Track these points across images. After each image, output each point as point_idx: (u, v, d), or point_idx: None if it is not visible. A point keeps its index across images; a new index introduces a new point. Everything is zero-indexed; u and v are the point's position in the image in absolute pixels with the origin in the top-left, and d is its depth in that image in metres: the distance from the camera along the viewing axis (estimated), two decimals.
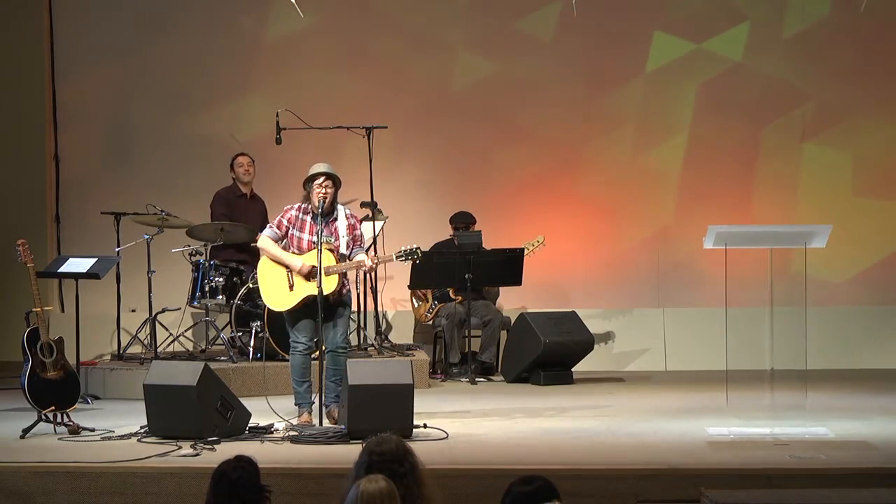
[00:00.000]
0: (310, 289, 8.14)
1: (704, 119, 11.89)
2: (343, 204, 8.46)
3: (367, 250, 8.65)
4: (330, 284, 8.13)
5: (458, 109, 11.94)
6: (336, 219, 8.29)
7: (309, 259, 8.20)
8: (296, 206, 8.35)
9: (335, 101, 11.63)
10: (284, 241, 8.38)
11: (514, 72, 11.94)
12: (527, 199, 11.83)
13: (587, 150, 11.95)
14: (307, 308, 8.17)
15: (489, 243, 11.02)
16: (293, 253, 8.31)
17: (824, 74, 11.87)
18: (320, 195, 8.19)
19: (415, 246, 8.37)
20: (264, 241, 8.39)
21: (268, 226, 8.49)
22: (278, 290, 8.28)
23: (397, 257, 8.37)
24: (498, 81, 11.96)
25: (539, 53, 11.94)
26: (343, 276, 8.27)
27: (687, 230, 11.40)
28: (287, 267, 8.26)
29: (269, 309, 9.60)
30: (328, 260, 8.15)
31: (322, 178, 8.22)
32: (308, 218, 8.29)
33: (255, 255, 10.72)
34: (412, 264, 10.49)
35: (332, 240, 8.25)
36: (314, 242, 8.15)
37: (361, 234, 8.41)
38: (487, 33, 11.99)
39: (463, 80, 11.99)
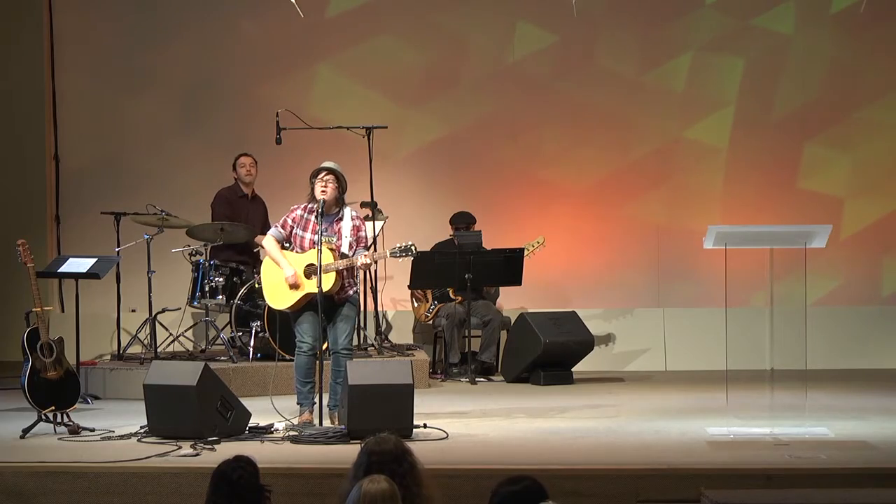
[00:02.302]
0: (310, 287, 8.14)
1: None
2: (346, 205, 8.46)
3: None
4: (327, 282, 8.12)
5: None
6: (341, 219, 8.30)
7: (307, 259, 8.20)
8: (301, 205, 8.36)
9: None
10: (288, 241, 8.38)
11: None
12: (527, 199, 11.83)
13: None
14: (312, 307, 8.18)
15: (489, 243, 11.02)
16: (296, 252, 8.31)
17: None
18: (320, 188, 8.21)
19: (410, 243, 8.30)
20: (267, 240, 8.41)
21: (273, 225, 8.49)
22: (279, 290, 8.29)
23: (391, 254, 8.30)
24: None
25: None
26: (348, 276, 8.28)
27: (687, 230, 11.39)
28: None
29: (269, 309, 9.62)
30: (327, 259, 8.15)
31: (324, 173, 8.23)
32: (312, 217, 8.28)
33: (254, 255, 10.75)
34: (412, 264, 10.50)
35: (335, 239, 8.24)
36: (315, 241, 8.15)
37: (366, 236, 8.40)
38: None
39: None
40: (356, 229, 8.29)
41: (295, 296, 8.22)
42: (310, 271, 8.16)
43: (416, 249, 8.32)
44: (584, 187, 11.92)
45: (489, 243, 11.02)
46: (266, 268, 8.43)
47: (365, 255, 8.23)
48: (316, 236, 8.14)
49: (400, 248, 8.28)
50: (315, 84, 11.90)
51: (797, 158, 11.90)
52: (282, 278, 8.25)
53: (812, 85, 11.90)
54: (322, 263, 8.07)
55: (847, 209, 11.79)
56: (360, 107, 11.56)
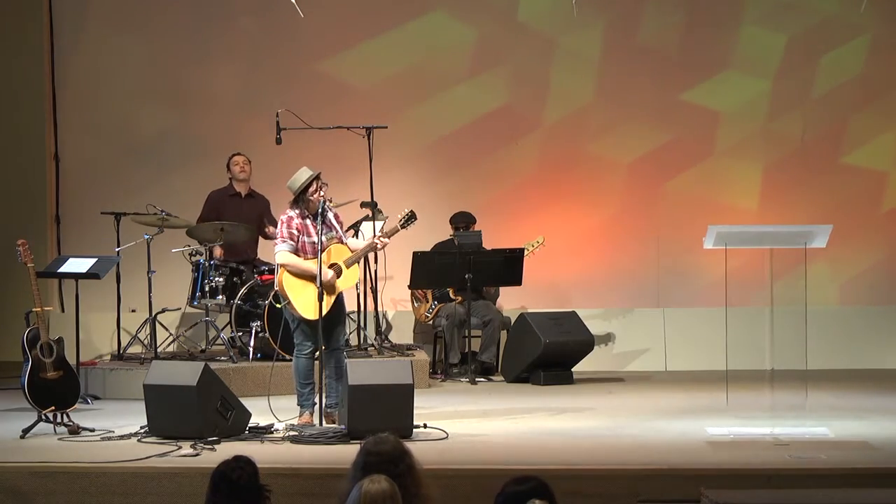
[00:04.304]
0: (341, 285, 8.28)
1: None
2: (343, 203, 8.51)
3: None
4: (353, 276, 8.35)
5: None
6: (325, 212, 8.31)
7: (327, 262, 8.25)
8: (294, 213, 8.31)
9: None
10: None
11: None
12: (527, 199, 11.83)
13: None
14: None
15: (489, 243, 11.02)
16: (308, 259, 8.28)
17: None
18: (320, 196, 8.22)
19: (408, 210, 8.66)
20: (286, 256, 8.25)
21: (280, 240, 8.28)
22: (312, 299, 8.18)
23: (402, 226, 8.58)
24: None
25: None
26: None
27: (688, 229, 11.38)
28: (313, 277, 8.17)
29: (269, 308, 9.63)
30: (344, 253, 8.29)
31: (315, 182, 8.24)
32: (308, 222, 8.29)
33: (255, 254, 10.74)
34: (412, 264, 10.53)
35: (333, 234, 8.29)
36: (324, 242, 8.17)
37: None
38: None
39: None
40: (337, 216, 8.45)
41: (330, 300, 8.20)
42: (336, 270, 8.24)
43: (415, 214, 8.65)
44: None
45: (489, 243, 11.02)
46: (289, 283, 8.24)
47: (381, 237, 8.43)
48: (325, 238, 8.18)
49: (405, 216, 8.59)
50: (310, 86, 11.90)
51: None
52: (310, 288, 8.19)
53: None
54: (345, 259, 8.25)
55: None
56: (361, 105, 11.56)
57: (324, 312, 8.11)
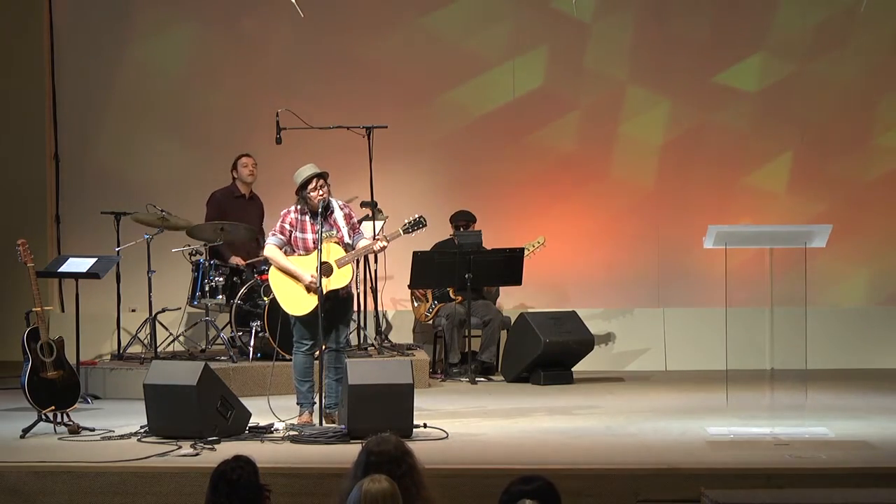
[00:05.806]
0: (329, 285, 8.16)
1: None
2: (341, 200, 8.47)
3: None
4: (345, 276, 8.21)
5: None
6: (332, 211, 8.30)
7: (316, 259, 8.17)
8: (292, 208, 8.35)
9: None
10: (287, 245, 8.36)
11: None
12: (527, 199, 11.82)
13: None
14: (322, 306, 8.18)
15: (489, 243, 11.01)
16: (300, 255, 8.30)
17: None
18: (320, 196, 8.21)
19: (418, 215, 8.46)
20: (271, 250, 8.34)
21: (271, 233, 8.45)
22: (296, 296, 8.23)
23: (404, 230, 8.44)
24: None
25: None
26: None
27: (689, 229, 11.37)
28: (297, 278, 8.23)
29: (269, 308, 9.62)
30: (338, 253, 8.21)
31: (315, 180, 8.23)
32: (307, 218, 8.30)
33: (255, 254, 10.73)
34: (412, 264, 10.52)
35: (335, 232, 8.27)
36: (318, 240, 8.16)
37: (357, 222, 8.47)
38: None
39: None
40: (349, 217, 8.38)
41: (315, 298, 8.15)
42: (326, 269, 8.17)
43: (425, 221, 8.46)
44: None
45: (489, 243, 11.02)
46: (275, 278, 8.34)
47: (379, 238, 8.34)
48: (317, 235, 8.15)
49: (411, 222, 8.43)
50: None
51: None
52: (295, 285, 8.22)
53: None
54: (336, 259, 8.16)
55: None
56: (362, 104, 11.55)
57: (312, 309, 8.11)
